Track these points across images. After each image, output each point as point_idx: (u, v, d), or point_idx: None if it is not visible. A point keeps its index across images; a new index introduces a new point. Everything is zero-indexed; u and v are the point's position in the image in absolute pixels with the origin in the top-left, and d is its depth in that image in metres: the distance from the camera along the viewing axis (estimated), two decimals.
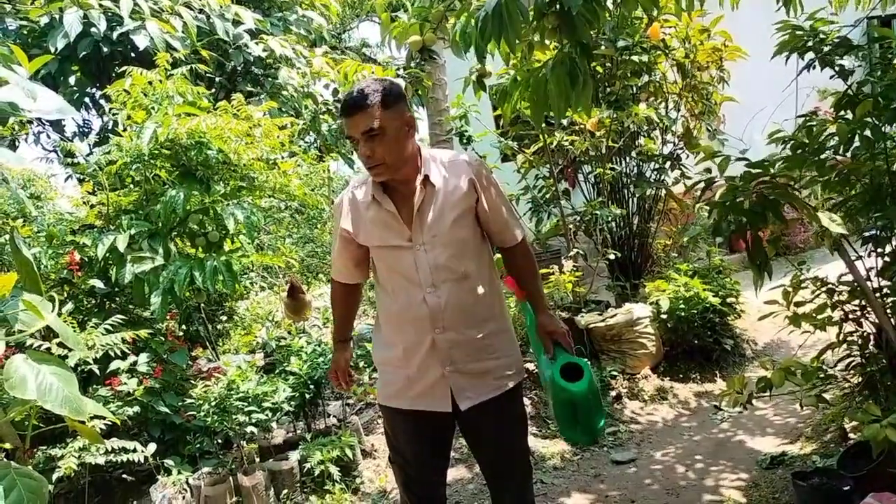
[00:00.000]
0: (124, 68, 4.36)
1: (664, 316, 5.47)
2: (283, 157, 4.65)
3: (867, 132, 2.81)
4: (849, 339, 3.41)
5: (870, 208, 3.02)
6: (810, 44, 3.19)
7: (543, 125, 5.91)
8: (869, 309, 3.24)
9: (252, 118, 4.33)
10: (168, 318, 4.33)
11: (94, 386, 3.79)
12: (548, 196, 6.57)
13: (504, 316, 2.44)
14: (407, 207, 2.26)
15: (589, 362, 2.42)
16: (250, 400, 3.81)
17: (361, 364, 4.46)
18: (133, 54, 5.36)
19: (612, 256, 6.12)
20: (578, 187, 6.90)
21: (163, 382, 3.96)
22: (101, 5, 5.16)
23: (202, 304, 4.98)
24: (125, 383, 3.76)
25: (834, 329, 3.42)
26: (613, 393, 5.00)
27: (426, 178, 2.26)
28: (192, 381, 4.11)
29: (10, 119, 5.40)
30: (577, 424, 2.38)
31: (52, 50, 5.00)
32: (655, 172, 6.56)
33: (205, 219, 4.20)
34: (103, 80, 5.68)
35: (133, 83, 4.22)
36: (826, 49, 3.17)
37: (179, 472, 3.69)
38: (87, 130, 6.70)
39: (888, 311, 3.11)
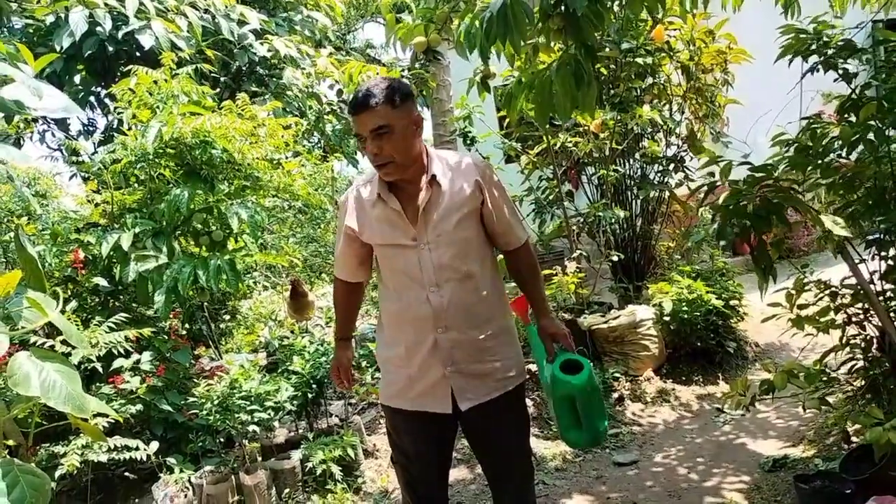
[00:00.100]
0: (129, 67, 4.38)
1: (667, 318, 5.46)
2: (287, 157, 4.66)
3: (871, 135, 2.81)
4: (852, 342, 3.41)
5: (873, 212, 3.02)
6: (814, 47, 3.19)
7: (547, 126, 5.90)
8: (872, 312, 3.24)
9: (256, 118, 4.34)
10: (171, 316, 4.34)
11: (98, 384, 3.80)
12: (551, 197, 6.56)
13: (506, 317, 2.44)
14: (412, 206, 2.27)
15: (589, 361, 2.42)
16: (253, 399, 3.82)
17: (364, 364, 4.46)
18: (138, 53, 5.37)
19: (615, 258, 6.12)
20: (582, 189, 6.90)
21: (165, 381, 3.97)
22: (106, 4, 5.17)
23: (205, 303, 4.99)
24: (128, 381, 3.77)
25: (837, 332, 3.42)
26: (616, 395, 5.00)
27: (433, 177, 2.26)
28: (195, 380, 4.13)
29: (15, 117, 5.42)
30: (579, 424, 2.37)
31: (58, 49, 5.01)
32: (659, 175, 6.55)
33: (209, 218, 4.21)
34: (108, 80, 5.69)
35: (138, 82, 4.23)
36: (830, 52, 3.17)
37: (181, 471, 3.70)
38: (91, 129, 6.71)
39: (891, 314, 3.10)
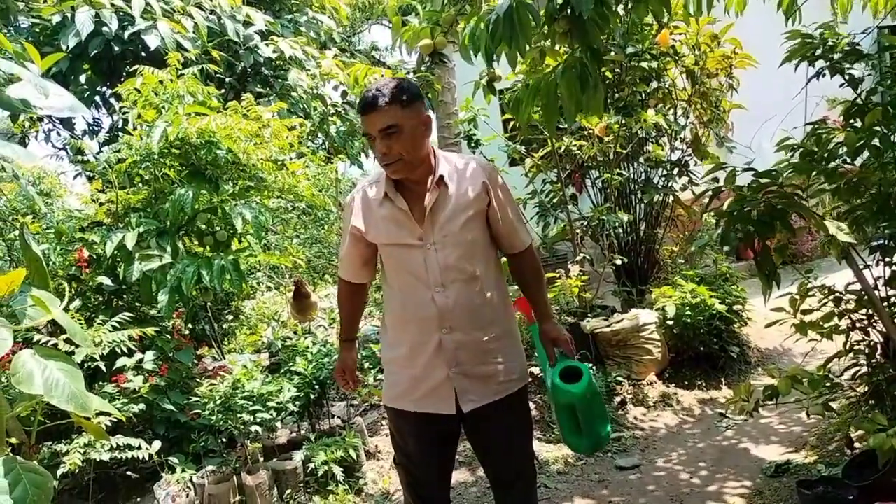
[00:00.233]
0: (135, 67, 4.39)
1: (670, 322, 5.45)
2: (291, 158, 4.67)
3: (876, 141, 2.80)
4: (855, 348, 3.40)
5: (878, 217, 3.01)
6: (820, 51, 3.19)
7: (550, 130, 5.90)
8: (876, 318, 3.23)
9: (261, 118, 4.35)
10: (175, 316, 4.35)
11: (101, 382, 3.81)
12: (555, 201, 6.56)
13: (510, 320, 2.44)
14: (419, 206, 2.28)
15: (590, 367, 2.42)
16: (255, 399, 3.82)
17: (367, 365, 4.46)
18: (144, 54, 5.39)
19: (618, 262, 6.11)
20: (586, 192, 6.89)
21: (168, 380, 3.98)
22: (112, 5, 5.19)
23: (208, 303, 5.00)
24: (131, 380, 3.78)
25: (840, 338, 3.41)
26: (618, 399, 4.99)
27: (440, 178, 2.27)
28: (198, 380, 4.13)
29: (21, 116, 5.44)
30: (580, 430, 2.37)
31: (64, 48, 5.02)
32: (663, 179, 6.54)
33: (213, 218, 4.22)
34: (114, 79, 5.71)
35: (144, 82, 4.24)
36: (836, 57, 3.17)
37: (183, 471, 3.71)
38: (96, 129, 6.72)
39: None
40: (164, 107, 4.21)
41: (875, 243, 3.25)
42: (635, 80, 6.05)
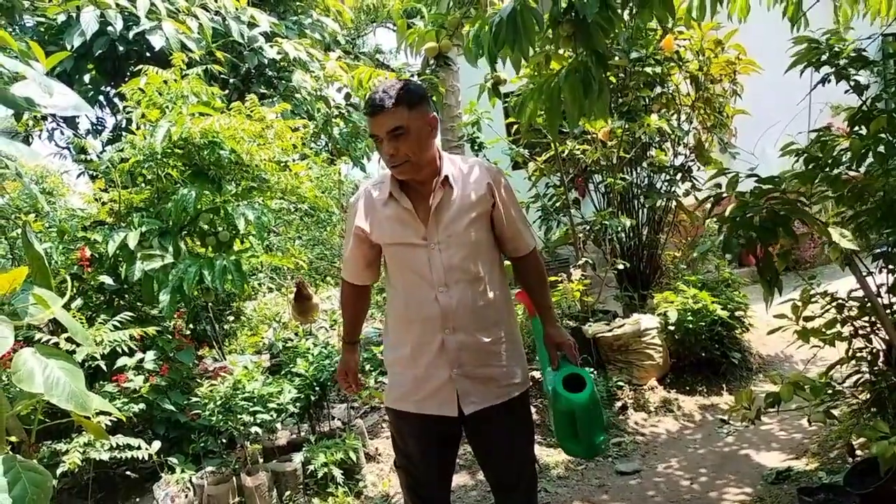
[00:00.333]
0: (139, 67, 4.39)
1: (672, 327, 5.44)
2: (294, 160, 4.67)
3: (881, 148, 2.80)
4: (858, 355, 3.39)
5: (881, 224, 3.01)
6: (826, 57, 3.18)
7: (553, 133, 5.90)
8: (879, 325, 3.22)
9: (265, 119, 4.35)
10: (176, 316, 4.34)
11: (101, 382, 3.81)
12: (558, 204, 6.57)
13: (512, 323, 2.44)
14: (423, 206, 2.28)
15: (593, 374, 2.42)
16: (255, 400, 3.81)
17: (367, 367, 4.46)
18: (148, 54, 5.39)
19: (620, 266, 6.11)
20: (588, 197, 6.89)
21: (169, 380, 3.97)
22: (117, 5, 5.20)
23: (210, 304, 5.00)
24: (132, 380, 3.77)
25: (842, 345, 3.40)
26: (619, 403, 4.98)
27: (445, 178, 2.27)
28: (198, 380, 4.13)
29: (25, 114, 5.45)
30: (577, 436, 2.37)
31: (69, 47, 5.03)
32: (666, 184, 6.54)
33: (215, 218, 4.22)
34: (118, 79, 5.72)
35: (148, 82, 4.25)
36: (842, 63, 3.16)
37: (183, 471, 3.70)
38: (100, 128, 6.73)
39: None
40: (167, 107, 4.22)
41: (878, 250, 3.24)
42: (639, 84, 6.06)
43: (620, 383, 5.14)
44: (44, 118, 6.12)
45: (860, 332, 3.37)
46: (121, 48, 5.40)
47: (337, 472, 3.80)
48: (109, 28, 5.18)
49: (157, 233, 4.04)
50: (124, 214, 4.23)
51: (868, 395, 3.38)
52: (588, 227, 6.40)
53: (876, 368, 3.33)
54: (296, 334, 5.40)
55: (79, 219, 4.35)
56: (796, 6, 3.89)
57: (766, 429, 4.57)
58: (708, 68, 6.09)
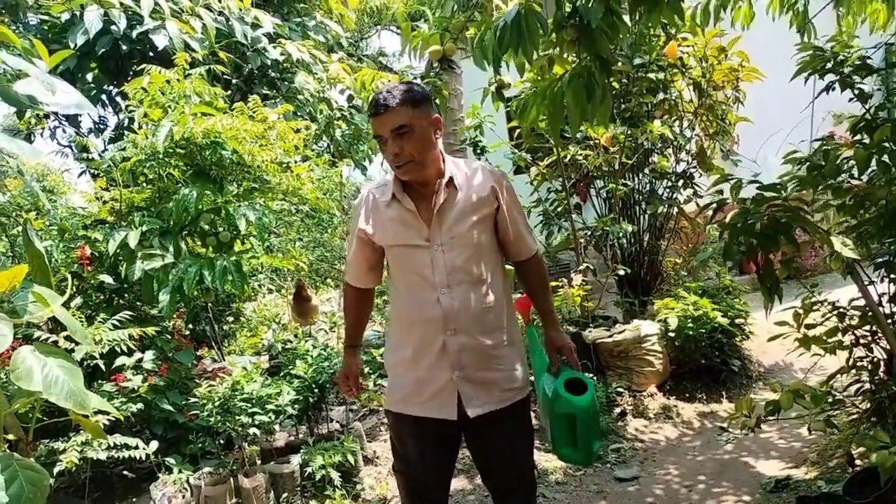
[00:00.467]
0: (142, 66, 4.39)
1: (672, 334, 5.43)
2: (296, 161, 4.66)
3: (885, 157, 2.79)
4: (858, 364, 3.38)
5: (884, 234, 3.00)
6: (830, 65, 3.18)
7: (556, 138, 5.90)
8: (880, 335, 3.22)
9: (267, 120, 4.35)
10: (175, 316, 4.34)
11: (100, 381, 3.80)
12: (559, 209, 6.56)
13: (514, 329, 2.43)
14: (426, 207, 2.28)
15: (592, 379, 2.41)
16: (254, 401, 3.80)
17: (366, 370, 4.45)
18: (151, 53, 5.40)
19: (621, 272, 6.10)
20: (590, 202, 6.89)
21: (167, 380, 3.97)
22: (121, 4, 5.20)
23: (209, 304, 4.99)
24: (130, 380, 3.76)
25: (842, 354, 3.40)
26: (618, 410, 4.97)
27: (450, 179, 2.28)
28: (197, 381, 4.12)
29: (27, 112, 5.45)
30: (574, 441, 2.36)
31: (72, 46, 5.03)
32: (668, 190, 6.54)
33: (216, 219, 4.22)
34: (121, 78, 5.72)
35: (151, 81, 4.25)
36: (847, 71, 3.16)
37: (180, 471, 3.69)
38: (102, 127, 6.74)
39: None
40: (170, 106, 4.22)
41: (880, 259, 3.24)
42: (642, 90, 6.06)
43: (620, 389, 5.13)
44: (46, 116, 6.13)
45: (861, 341, 3.36)
46: (124, 47, 5.41)
47: (335, 475, 3.79)
48: (113, 27, 5.18)
49: (157, 232, 4.03)
50: (125, 213, 4.23)
51: (868, 405, 3.38)
52: (589, 233, 6.39)
53: (876, 378, 3.33)
54: (295, 336, 5.39)
55: (79, 217, 4.35)
56: (803, 15, 3.91)
57: (766, 437, 4.56)
58: (711, 75, 6.09)
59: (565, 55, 2.98)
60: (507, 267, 2.51)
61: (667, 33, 5.73)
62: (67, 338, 3.23)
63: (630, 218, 6.60)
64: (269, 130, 4.32)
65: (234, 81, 6.14)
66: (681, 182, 6.46)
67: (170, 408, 3.89)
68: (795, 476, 3.85)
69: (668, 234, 6.77)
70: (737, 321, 5.66)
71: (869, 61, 3.26)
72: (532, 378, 2.60)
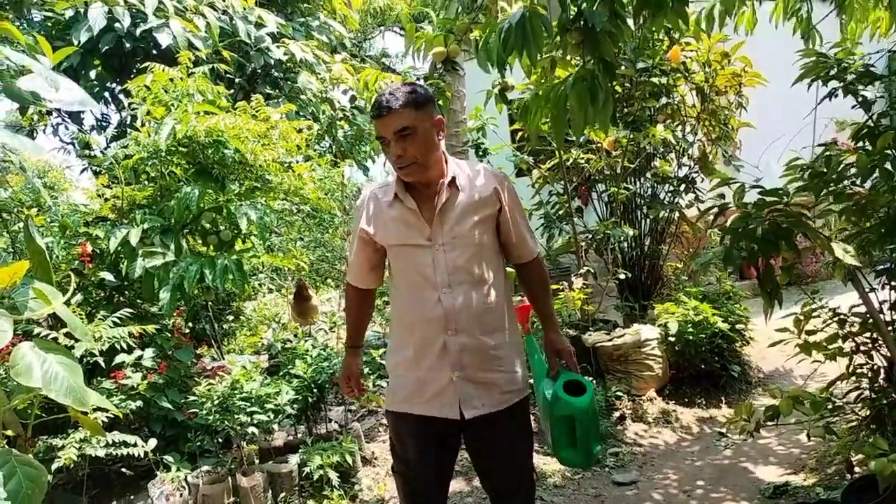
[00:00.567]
0: (145, 64, 4.39)
1: (672, 339, 5.43)
2: (298, 161, 4.66)
3: (887, 164, 2.79)
4: (858, 371, 3.38)
5: (885, 241, 3.00)
6: (834, 72, 3.18)
7: (558, 141, 5.90)
8: (880, 342, 3.22)
9: (270, 120, 4.35)
10: (175, 314, 4.33)
11: (99, 378, 3.79)
12: (561, 213, 6.56)
13: (514, 331, 2.43)
14: (428, 207, 2.29)
15: (592, 382, 2.41)
16: (253, 400, 3.80)
17: (366, 370, 4.45)
18: (155, 51, 5.40)
19: (622, 276, 6.10)
20: (591, 206, 6.90)
21: (167, 378, 3.96)
22: (125, 1, 5.21)
23: (210, 303, 4.99)
24: (129, 377, 3.76)
25: (843, 361, 3.40)
26: (617, 413, 4.97)
27: (452, 179, 2.28)
28: (196, 379, 4.12)
29: (30, 108, 5.45)
30: (573, 443, 2.36)
31: (76, 43, 5.03)
32: (669, 195, 6.54)
33: (218, 217, 4.21)
34: (124, 76, 5.72)
35: (154, 79, 4.25)
36: (850, 78, 3.16)
37: (178, 470, 3.68)
38: (105, 124, 6.74)
39: None
40: (173, 104, 4.21)
41: (881, 267, 3.23)
42: (645, 95, 6.06)
43: (619, 393, 5.13)
44: (49, 113, 6.13)
45: (861, 348, 3.36)
46: (127, 45, 5.41)
47: (333, 475, 3.79)
48: (117, 24, 5.18)
49: (159, 230, 4.03)
50: (127, 211, 4.23)
51: (868, 412, 3.38)
52: (590, 236, 6.39)
53: (876, 385, 3.32)
54: (295, 335, 5.39)
55: (81, 214, 4.34)
56: (807, 22, 3.91)
57: (764, 443, 4.55)
58: (714, 80, 6.09)
59: (569, 58, 2.98)
60: (508, 269, 2.51)
61: (670, 38, 5.74)
62: (67, 334, 3.23)
63: (631, 222, 6.61)
64: (271, 130, 4.32)
65: (237, 80, 6.14)
66: (682, 187, 6.46)
67: (169, 406, 3.89)
68: (794, 482, 3.84)
69: (669, 238, 6.77)
70: (737, 326, 5.66)
71: (872, 68, 3.25)
72: (532, 381, 2.60)
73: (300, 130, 4.54)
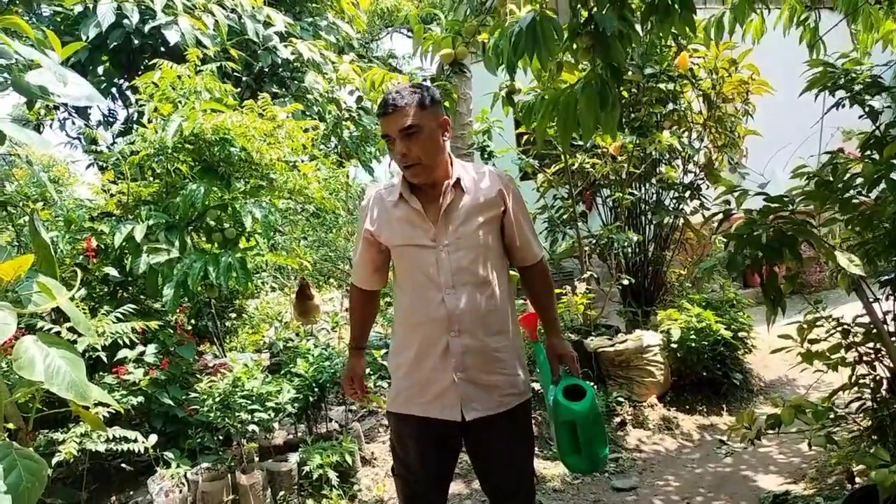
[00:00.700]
0: (153, 61, 4.40)
1: (674, 345, 5.43)
2: (303, 160, 4.67)
3: (893, 174, 2.78)
4: (861, 381, 3.37)
5: (890, 251, 2.99)
6: (841, 82, 3.17)
7: (566, 146, 5.89)
8: (883, 352, 3.21)
9: (276, 119, 4.35)
10: (178, 311, 4.34)
11: (101, 373, 3.80)
12: (565, 217, 6.56)
13: (516, 334, 2.43)
14: (433, 207, 2.29)
15: (592, 385, 2.41)
16: (254, 398, 3.81)
17: (368, 371, 4.44)
18: (163, 48, 5.40)
19: (625, 282, 6.09)
20: (596, 210, 6.89)
21: (168, 374, 3.96)
22: None
23: (213, 300, 4.99)
24: (131, 372, 3.76)
25: (846, 370, 3.39)
26: (618, 419, 4.96)
27: (457, 180, 2.29)
28: (198, 376, 4.12)
29: (37, 103, 5.46)
30: (579, 449, 2.35)
31: (84, 38, 5.04)
32: (674, 201, 6.53)
33: (223, 215, 4.22)
34: (131, 72, 5.72)
35: (162, 76, 4.25)
36: (857, 88, 3.15)
37: (178, 466, 3.69)
38: (111, 120, 6.74)
39: None
40: (180, 101, 4.22)
41: (885, 277, 3.23)
42: (652, 100, 6.06)
43: (620, 399, 5.12)
44: (56, 107, 6.14)
45: (864, 358, 3.35)
46: (136, 41, 5.41)
47: (332, 475, 3.79)
48: (125, 21, 5.19)
49: (163, 227, 4.03)
50: (132, 207, 4.23)
51: (869, 422, 3.36)
52: (594, 241, 6.39)
53: (878, 396, 3.31)
54: (297, 334, 5.40)
55: (86, 209, 4.35)
56: (813, 31, 3.90)
57: (765, 451, 4.54)
58: (721, 87, 6.09)
59: (577, 62, 2.98)
60: (512, 273, 2.50)
61: (678, 44, 5.73)
62: (71, 329, 3.23)
63: (636, 227, 6.60)
64: (277, 129, 4.32)
65: (244, 79, 6.14)
66: (688, 193, 6.45)
67: (170, 402, 3.89)
68: (794, 491, 3.83)
69: (673, 244, 6.76)
70: (739, 334, 5.65)
71: (880, 80, 3.24)
72: (537, 386, 2.60)
73: (306, 130, 4.55)
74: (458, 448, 2.46)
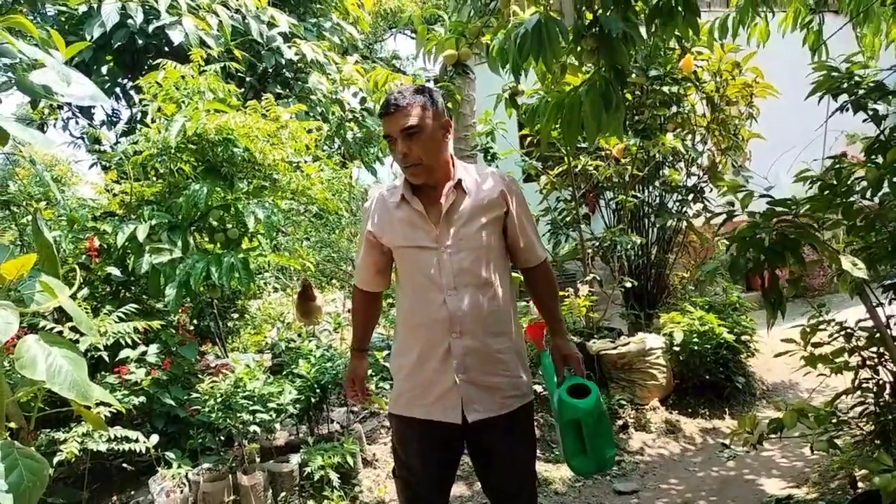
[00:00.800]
0: (157, 61, 4.40)
1: (677, 348, 5.42)
2: (306, 161, 4.67)
3: None
4: (864, 386, 3.36)
5: (894, 256, 2.98)
6: (845, 86, 3.17)
7: (569, 148, 5.89)
8: (887, 357, 3.20)
9: (280, 119, 4.35)
10: (181, 311, 4.34)
11: (103, 372, 3.80)
12: (568, 219, 6.55)
13: (518, 335, 2.43)
14: (435, 209, 2.29)
15: (597, 386, 2.40)
16: (256, 399, 3.80)
17: (369, 372, 4.44)
18: (167, 48, 5.41)
19: (628, 284, 6.09)
20: (599, 213, 6.88)
21: (170, 375, 3.96)
22: None
23: (215, 300, 4.99)
24: (133, 372, 3.76)
25: (849, 374, 3.38)
26: (620, 422, 4.95)
27: (459, 182, 2.28)
28: (200, 376, 4.12)
29: (41, 102, 5.47)
30: (584, 450, 2.34)
31: (88, 38, 5.05)
32: (678, 204, 6.52)
33: (225, 215, 4.22)
34: (135, 72, 5.73)
35: (166, 76, 4.25)
36: (861, 92, 3.14)
37: (179, 466, 3.68)
38: (115, 120, 6.76)
39: None
40: (184, 102, 4.22)
41: (889, 282, 3.22)
42: (655, 103, 6.05)
43: (622, 402, 5.11)
44: (60, 107, 6.15)
45: (867, 362, 3.34)
46: (140, 41, 5.43)
47: (333, 476, 3.78)
48: (129, 21, 5.20)
49: (166, 227, 4.03)
50: (135, 207, 4.24)
51: (872, 427, 3.35)
52: (597, 244, 6.38)
53: (882, 400, 3.30)
54: (299, 335, 5.39)
55: (89, 209, 4.35)
56: (817, 35, 3.90)
57: (768, 455, 4.53)
58: (724, 90, 6.08)
59: (581, 64, 2.98)
60: (514, 274, 2.50)
61: (682, 47, 5.73)
62: (73, 328, 3.24)
63: (639, 230, 6.59)
64: (281, 129, 4.32)
65: (248, 79, 6.15)
66: (691, 196, 6.44)
67: (171, 402, 3.89)
68: (796, 496, 3.83)
69: (676, 247, 6.75)
70: (742, 338, 5.64)
71: (884, 84, 3.23)
72: (535, 386, 2.59)
73: (310, 131, 4.55)
74: (461, 450, 2.46)
